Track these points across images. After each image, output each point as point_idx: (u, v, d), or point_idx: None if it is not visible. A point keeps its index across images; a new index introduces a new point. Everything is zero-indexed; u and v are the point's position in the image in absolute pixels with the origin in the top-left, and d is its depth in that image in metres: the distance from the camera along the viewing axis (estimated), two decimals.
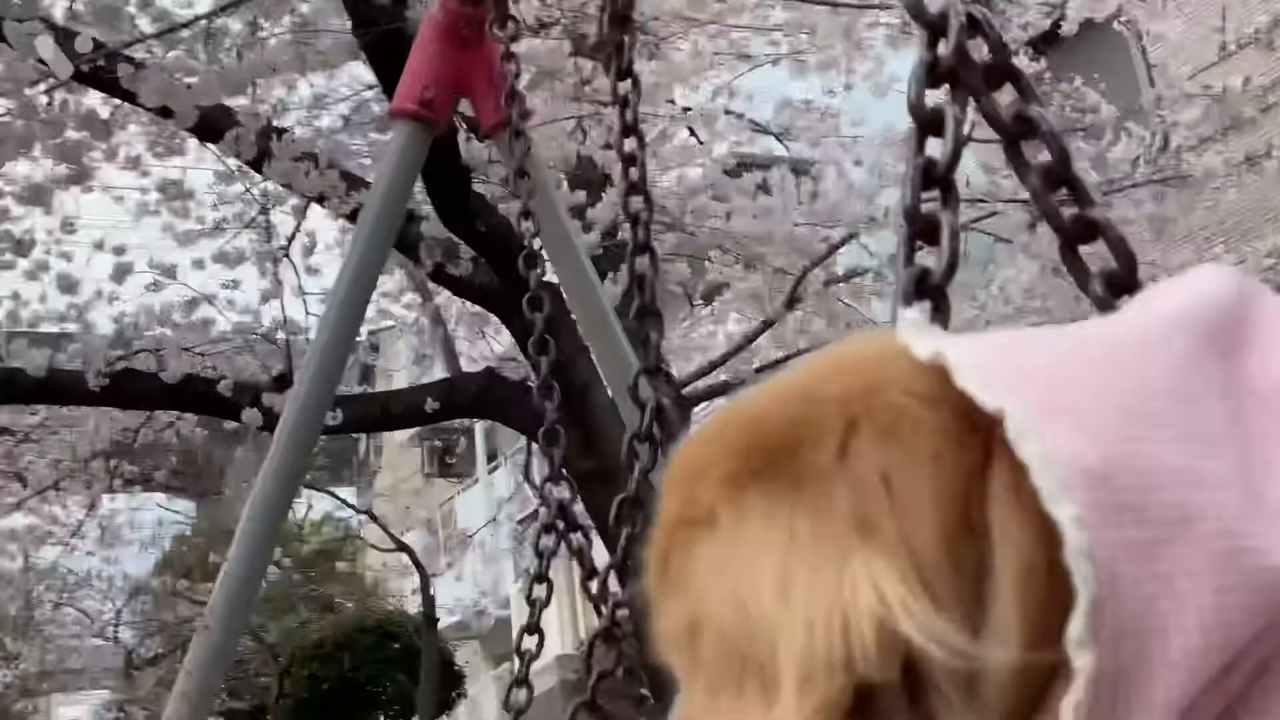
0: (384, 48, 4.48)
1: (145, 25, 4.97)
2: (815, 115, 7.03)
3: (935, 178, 1.18)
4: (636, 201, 1.96)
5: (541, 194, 2.92)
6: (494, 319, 7.52)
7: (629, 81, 2.20)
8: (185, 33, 5.03)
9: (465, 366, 7.86)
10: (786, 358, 7.54)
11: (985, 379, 0.62)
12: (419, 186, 5.87)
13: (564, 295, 3.20)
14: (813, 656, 0.59)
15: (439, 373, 8.92)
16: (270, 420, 6.42)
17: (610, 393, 5.88)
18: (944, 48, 1.21)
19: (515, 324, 6.07)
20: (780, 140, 7.47)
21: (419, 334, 9.59)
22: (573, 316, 3.68)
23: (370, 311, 8.54)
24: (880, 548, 0.61)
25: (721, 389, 7.60)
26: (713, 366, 7.06)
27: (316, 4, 5.35)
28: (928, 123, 1.17)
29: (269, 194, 7.36)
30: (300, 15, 5.33)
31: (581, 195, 5.99)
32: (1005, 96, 1.23)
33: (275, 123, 5.86)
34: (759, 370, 7.40)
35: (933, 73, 1.21)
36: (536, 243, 2.69)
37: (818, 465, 0.64)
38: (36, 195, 5.52)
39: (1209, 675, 0.59)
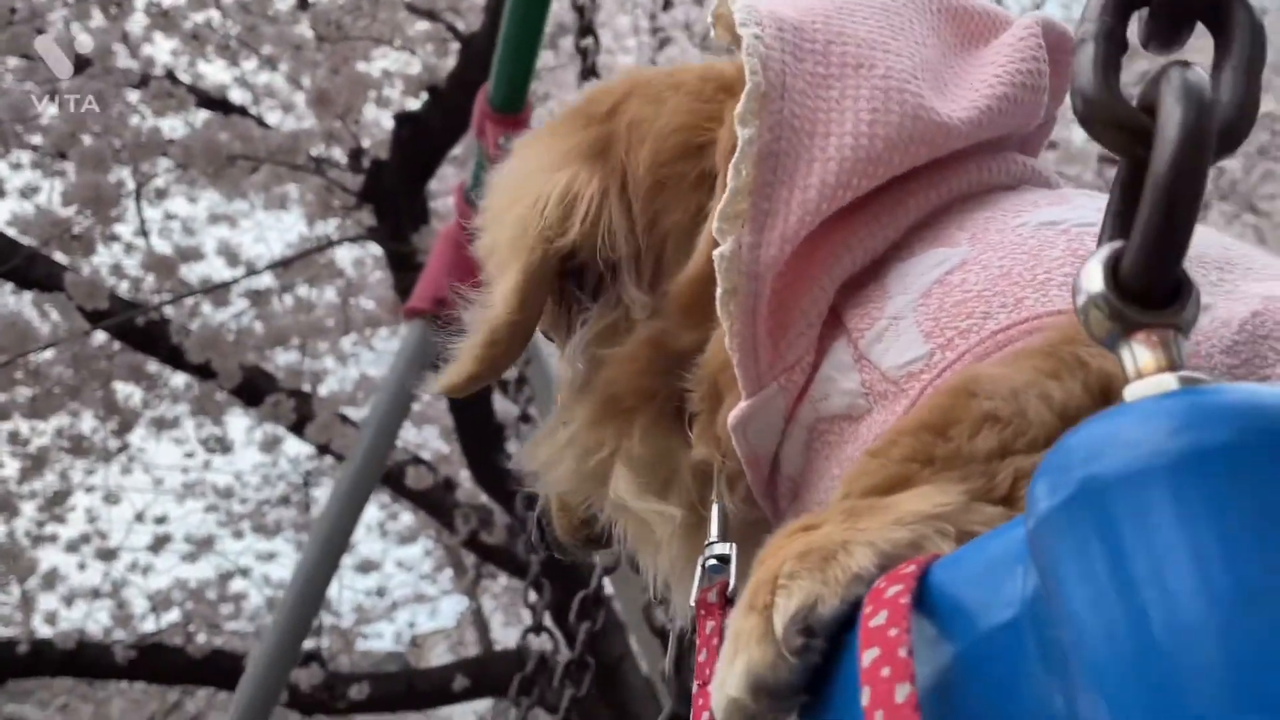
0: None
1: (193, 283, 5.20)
2: None
3: None
4: None
5: (544, 395, 2.94)
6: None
7: None
8: (234, 290, 5.26)
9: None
10: None
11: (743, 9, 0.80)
12: (457, 449, 5.98)
13: None
14: (520, 233, 0.82)
15: None
16: (296, 698, 6.25)
17: (644, 670, 5.72)
18: None
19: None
20: None
21: (458, 628, 9.41)
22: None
23: (406, 590, 8.47)
24: (596, 165, 0.84)
25: None
26: None
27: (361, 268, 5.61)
28: None
29: (310, 472, 7.49)
30: (347, 279, 5.58)
31: None
32: None
33: (319, 388, 6.04)
34: None
35: None
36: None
37: (592, 118, 0.88)
38: (78, 450, 5.63)
39: (860, 180, 0.74)
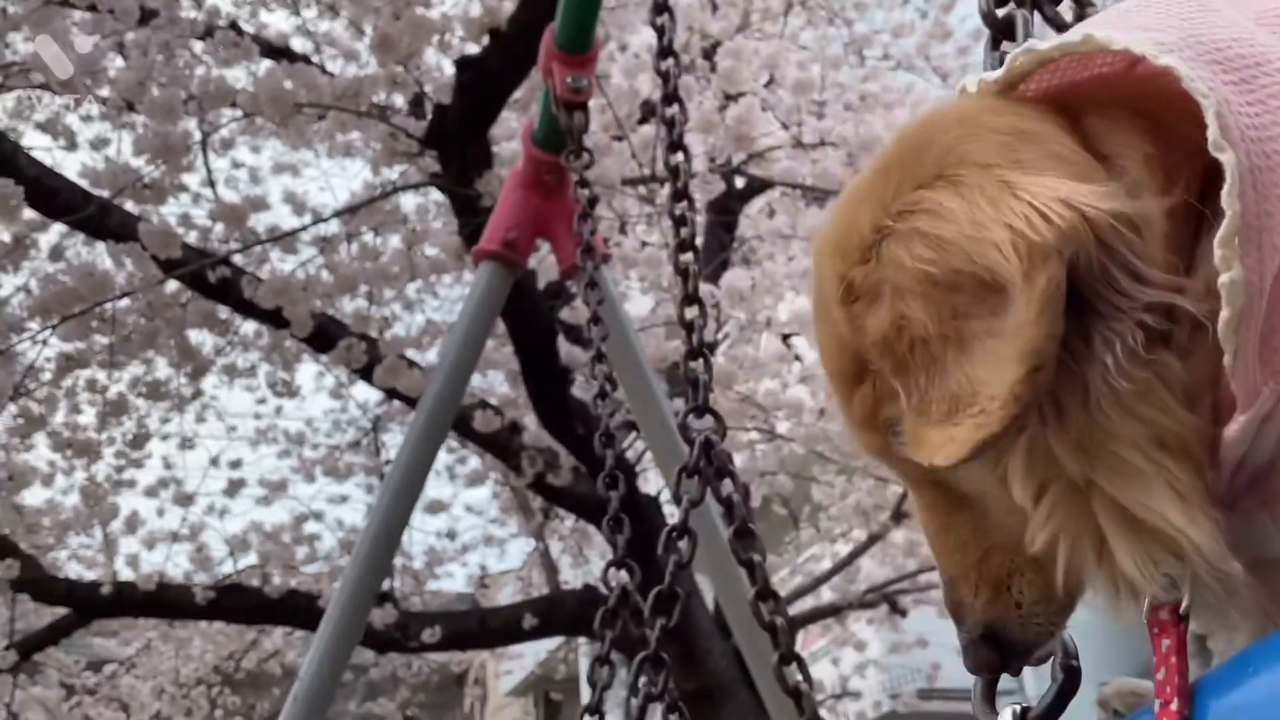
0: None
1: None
2: None
3: None
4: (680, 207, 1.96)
5: (616, 336, 2.95)
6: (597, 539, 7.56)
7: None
8: (301, 239, 5.32)
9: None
10: (896, 579, 7.29)
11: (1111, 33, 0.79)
12: (523, 393, 6.03)
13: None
14: (1029, 250, 0.72)
15: None
16: (370, 636, 6.39)
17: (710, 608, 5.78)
18: None
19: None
20: None
21: (526, 569, 9.54)
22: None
23: (475, 533, 8.60)
24: (1032, 169, 0.76)
25: (829, 610, 7.35)
26: (817, 583, 6.83)
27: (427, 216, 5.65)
28: (1000, 27, 1.24)
29: (380, 417, 7.60)
30: (411, 226, 5.62)
31: None
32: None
33: (386, 334, 6.11)
34: (867, 591, 7.16)
35: None
36: (615, 420, 2.60)
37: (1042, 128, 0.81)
38: (155, 395, 5.76)
39: None
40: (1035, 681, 0.88)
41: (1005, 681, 0.88)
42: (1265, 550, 0.79)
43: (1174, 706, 0.71)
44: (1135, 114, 0.80)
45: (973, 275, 0.74)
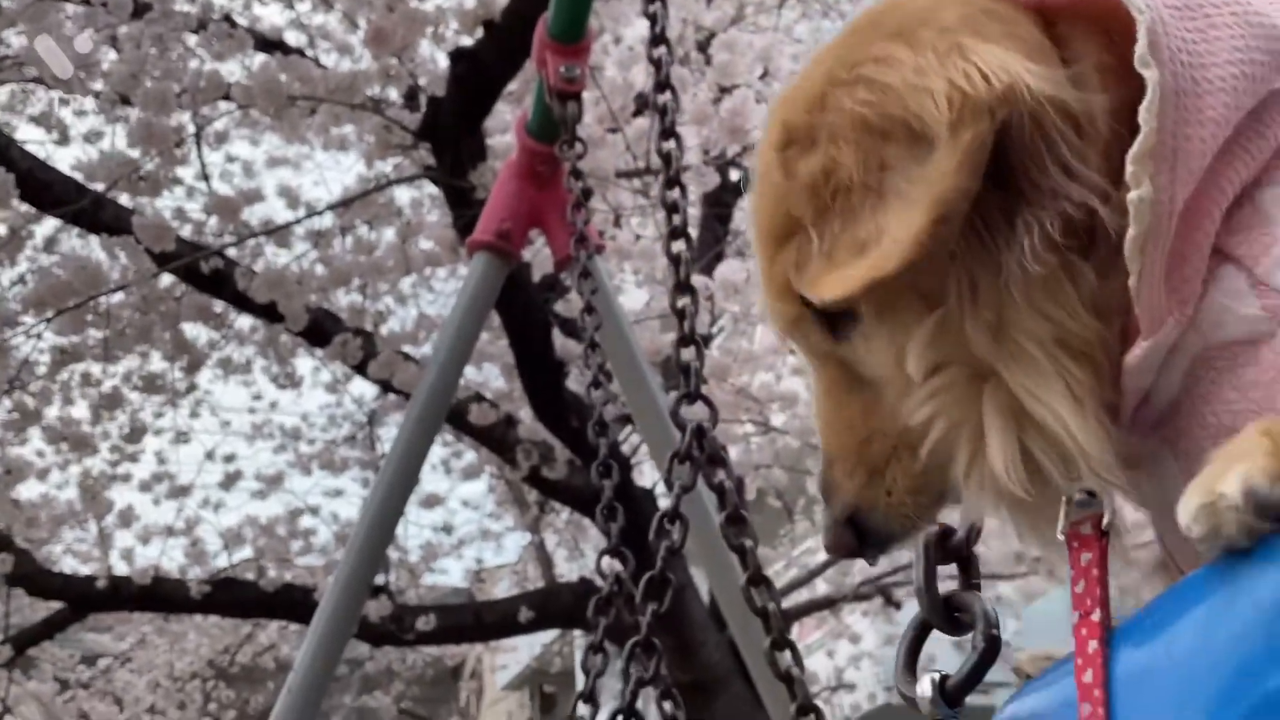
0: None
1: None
2: None
3: None
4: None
5: (610, 327, 2.94)
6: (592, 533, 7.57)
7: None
8: (295, 233, 5.32)
9: None
10: (891, 571, 7.30)
11: None
12: (518, 386, 6.03)
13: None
14: (963, 103, 0.73)
15: None
16: (365, 629, 6.40)
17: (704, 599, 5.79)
18: None
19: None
20: None
21: (521, 563, 9.55)
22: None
23: (471, 527, 8.61)
24: (989, 40, 0.77)
25: (823, 603, 7.37)
26: (812, 576, 6.85)
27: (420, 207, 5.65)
28: None
29: (375, 411, 7.59)
30: (405, 219, 5.62)
31: None
32: None
33: (381, 328, 6.11)
34: (861, 583, 7.17)
35: None
36: (609, 411, 2.59)
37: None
38: (150, 388, 5.76)
39: (1241, 112, 0.75)
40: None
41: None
42: (1169, 494, 0.78)
43: (1095, 616, 0.72)
44: (1102, 31, 0.81)
45: (904, 122, 0.75)
